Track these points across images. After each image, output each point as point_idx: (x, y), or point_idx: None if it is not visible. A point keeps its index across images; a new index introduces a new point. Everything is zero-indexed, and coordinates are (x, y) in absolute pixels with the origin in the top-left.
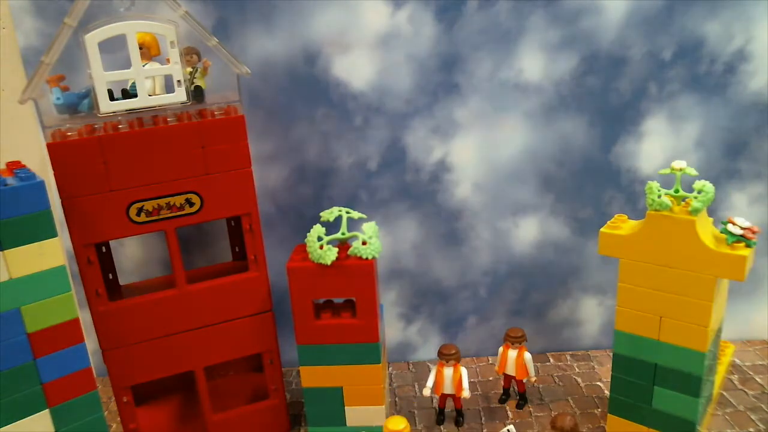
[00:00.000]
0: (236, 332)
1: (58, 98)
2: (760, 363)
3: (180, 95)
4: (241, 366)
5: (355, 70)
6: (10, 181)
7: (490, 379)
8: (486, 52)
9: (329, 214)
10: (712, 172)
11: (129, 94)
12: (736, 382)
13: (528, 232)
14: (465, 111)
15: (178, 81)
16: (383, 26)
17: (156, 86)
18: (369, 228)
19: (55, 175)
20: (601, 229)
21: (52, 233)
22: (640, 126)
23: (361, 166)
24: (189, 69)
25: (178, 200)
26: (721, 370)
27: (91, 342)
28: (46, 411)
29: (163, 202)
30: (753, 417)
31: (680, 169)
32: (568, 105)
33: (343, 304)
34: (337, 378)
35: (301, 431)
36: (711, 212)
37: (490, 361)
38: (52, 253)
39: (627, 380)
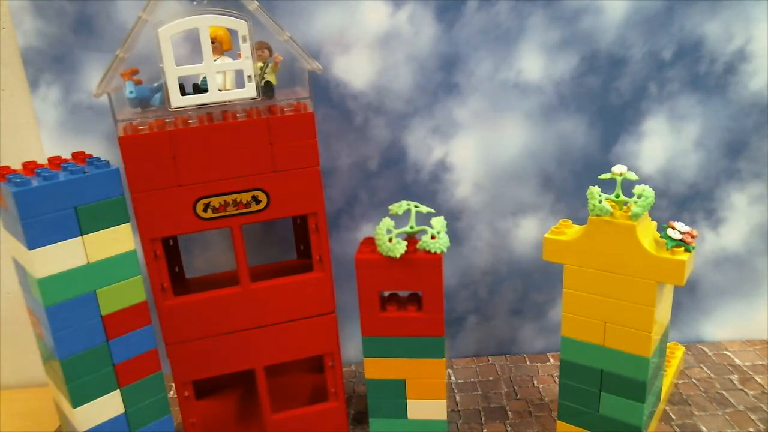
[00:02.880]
0: (298, 333)
1: (131, 92)
2: (760, 363)
3: (250, 90)
4: (299, 366)
5: (355, 70)
6: (88, 168)
7: (490, 378)
8: (486, 52)
9: (398, 208)
10: (712, 172)
11: (200, 88)
12: (736, 382)
13: (528, 232)
14: (465, 111)
15: (249, 76)
16: (383, 26)
17: (227, 81)
18: (437, 222)
19: (125, 168)
20: (545, 235)
21: (125, 219)
22: (640, 126)
23: (361, 166)
24: (260, 64)
25: (245, 197)
26: (671, 372)
27: None
28: (117, 391)
29: (229, 198)
30: (753, 417)
31: (621, 174)
32: (568, 105)
33: (408, 297)
34: (401, 370)
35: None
36: (710, 212)
37: (490, 361)
38: (125, 238)
39: (575, 386)
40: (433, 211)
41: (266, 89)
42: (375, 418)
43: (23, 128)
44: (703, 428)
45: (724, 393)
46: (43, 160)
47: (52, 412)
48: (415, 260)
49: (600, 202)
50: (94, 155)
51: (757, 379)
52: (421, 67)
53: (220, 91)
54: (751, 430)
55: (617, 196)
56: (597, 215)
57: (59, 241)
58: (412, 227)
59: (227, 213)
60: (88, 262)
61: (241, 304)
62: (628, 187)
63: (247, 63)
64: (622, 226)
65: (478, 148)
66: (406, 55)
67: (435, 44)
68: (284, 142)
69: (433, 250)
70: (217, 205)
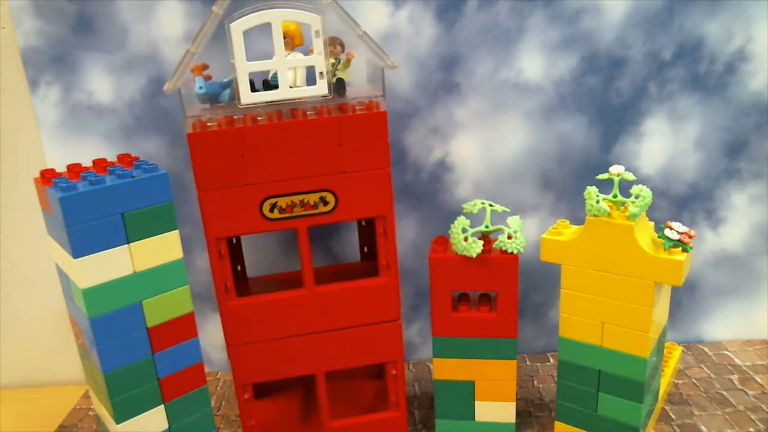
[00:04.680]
0: (362, 339)
1: (200, 87)
2: (760, 363)
3: (322, 88)
4: (358, 371)
5: (355, 70)
6: (136, 172)
7: None
8: (486, 52)
9: (472, 206)
10: (712, 171)
11: (270, 85)
12: (735, 382)
13: (528, 231)
14: (465, 111)
15: (321, 73)
16: (383, 26)
17: (297, 78)
18: (513, 222)
19: (193, 165)
20: (543, 235)
21: (173, 225)
22: (640, 126)
23: None
24: (332, 60)
25: (313, 198)
26: (668, 372)
27: None
28: (162, 406)
29: (297, 199)
30: (753, 417)
31: (618, 174)
32: (568, 105)
33: (480, 297)
34: (471, 372)
35: None
36: (711, 213)
37: None
38: (173, 246)
39: (573, 387)
40: (508, 210)
41: (338, 86)
42: (441, 419)
43: (23, 128)
44: (703, 428)
45: (724, 393)
46: (42, 160)
47: (53, 412)
48: (491, 260)
49: (597, 202)
50: (94, 155)
51: (757, 379)
52: (421, 67)
53: (290, 88)
54: (751, 430)
55: (615, 196)
56: (594, 215)
57: (105, 249)
58: (487, 226)
59: (294, 214)
60: (135, 272)
61: (304, 307)
62: (626, 187)
63: (319, 59)
64: (620, 226)
65: (478, 148)
66: (406, 55)
67: (435, 44)
68: (355, 142)
69: (510, 250)
70: (284, 206)
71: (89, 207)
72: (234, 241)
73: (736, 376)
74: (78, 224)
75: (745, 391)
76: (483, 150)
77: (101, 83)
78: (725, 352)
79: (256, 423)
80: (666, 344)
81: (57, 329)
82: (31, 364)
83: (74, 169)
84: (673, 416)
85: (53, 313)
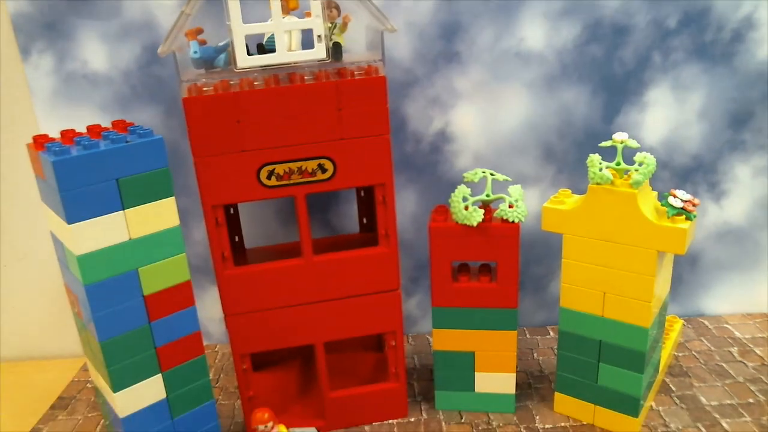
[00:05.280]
0: (361, 309)
1: (195, 52)
2: (760, 336)
3: (320, 52)
4: (358, 342)
5: (354, 38)
6: (131, 137)
7: None
8: (487, 20)
9: (473, 175)
10: (716, 143)
11: (265, 49)
12: (735, 354)
13: (529, 203)
14: (465, 80)
15: (319, 36)
16: None
17: (292, 42)
18: (515, 191)
19: (189, 131)
20: (544, 205)
21: (169, 192)
22: (643, 96)
23: None
24: (328, 24)
25: (311, 165)
26: (669, 345)
27: None
28: (159, 375)
29: (294, 166)
30: (752, 388)
31: (621, 142)
32: (570, 75)
33: (480, 267)
34: (471, 342)
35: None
36: (714, 185)
37: None
38: (169, 213)
39: (573, 357)
40: (509, 179)
41: (335, 51)
42: (441, 391)
43: (15, 98)
44: (703, 399)
45: (724, 365)
46: (36, 131)
47: (52, 384)
48: (492, 229)
49: (600, 170)
50: (89, 125)
51: (757, 352)
52: (421, 36)
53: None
54: (751, 400)
55: (618, 164)
56: (597, 183)
57: (100, 215)
58: (488, 195)
59: (292, 181)
60: (130, 239)
61: (302, 276)
62: (629, 155)
63: (317, 22)
64: (623, 194)
65: (479, 118)
66: (406, 22)
67: (435, 12)
68: (353, 108)
69: (511, 219)
70: (281, 173)
71: (83, 172)
72: (231, 211)
73: (735, 348)
74: (72, 189)
75: (744, 363)
76: (484, 120)
77: (95, 51)
78: (725, 326)
79: (255, 394)
80: (667, 317)
81: (55, 302)
82: (30, 337)
83: (68, 134)
84: (673, 388)
85: (51, 286)
